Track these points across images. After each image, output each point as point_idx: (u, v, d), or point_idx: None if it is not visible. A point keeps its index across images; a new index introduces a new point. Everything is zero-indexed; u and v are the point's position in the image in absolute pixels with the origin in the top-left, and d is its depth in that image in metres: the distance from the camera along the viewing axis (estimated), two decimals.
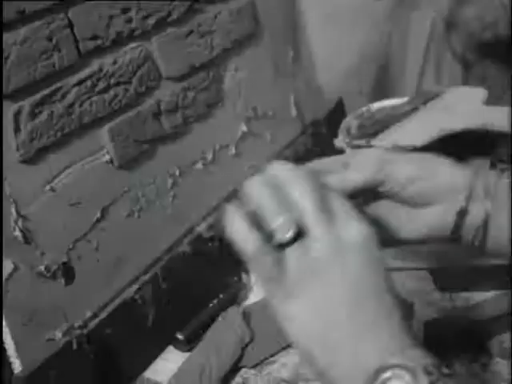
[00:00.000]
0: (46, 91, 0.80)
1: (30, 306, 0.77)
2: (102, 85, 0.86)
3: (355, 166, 0.72)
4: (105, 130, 0.86)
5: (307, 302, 0.58)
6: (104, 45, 0.86)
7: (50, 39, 0.80)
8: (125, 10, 0.89)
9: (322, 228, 0.58)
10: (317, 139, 1.27)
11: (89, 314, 0.84)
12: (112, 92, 0.87)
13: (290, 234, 0.58)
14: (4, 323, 0.75)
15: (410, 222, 0.73)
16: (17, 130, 0.77)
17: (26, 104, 0.78)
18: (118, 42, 0.89)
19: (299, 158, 1.20)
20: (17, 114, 0.77)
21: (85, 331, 0.82)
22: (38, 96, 0.79)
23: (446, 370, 0.54)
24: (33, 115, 0.78)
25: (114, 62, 0.87)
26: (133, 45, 0.91)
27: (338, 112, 1.35)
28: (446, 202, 0.71)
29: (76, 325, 0.82)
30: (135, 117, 0.90)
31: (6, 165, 0.76)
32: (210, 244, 1.00)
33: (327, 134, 1.29)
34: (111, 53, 0.88)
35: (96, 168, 0.86)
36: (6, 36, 0.76)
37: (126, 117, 0.89)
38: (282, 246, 0.58)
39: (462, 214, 0.70)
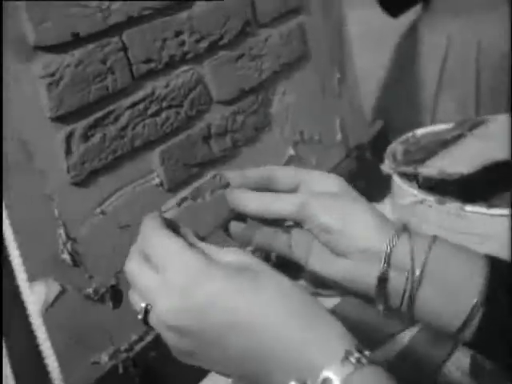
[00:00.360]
0: (99, 114, 0.80)
1: (76, 328, 0.77)
2: (154, 108, 0.86)
3: (284, 196, 0.73)
4: (156, 153, 0.86)
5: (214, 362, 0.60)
6: (157, 68, 0.87)
7: (104, 62, 0.80)
8: (178, 33, 0.89)
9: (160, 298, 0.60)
10: (361, 163, 1.26)
11: (134, 337, 0.83)
12: (164, 115, 0.87)
13: (140, 316, 0.62)
14: (49, 345, 0.75)
15: (328, 265, 0.72)
16: (68, 152, 0.77)
17: (79, 126, 0.78)
18: (171, 65, 0.89)
19: None
20: (69, 137, 0.77)
21: (131, 354, 0.82)
22: (91, 119, 0.79)
23: (367, 353, 0.55)
24: (85, 138, 0.78)
25: (167, 85, 0.87)
26: (185, 68, 0.91)
27: (381, 136, 1.34)
28: (356, 260, 0.69)
29: (122, 348, 0.81)
30: (185, 140, 0.90)
31: (56, 187, 0.76)
32: None
33: (371, 158, 1.28)
34: (164, 76, 0.88)
35: (146, 191, 0.86)
36: (60, 58, 0.76)
37: (176, 140, 0.89)
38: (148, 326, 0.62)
39: (383, 280, 0.68)
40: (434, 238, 0.69)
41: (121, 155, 0.82)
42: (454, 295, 0.66)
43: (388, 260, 0.68)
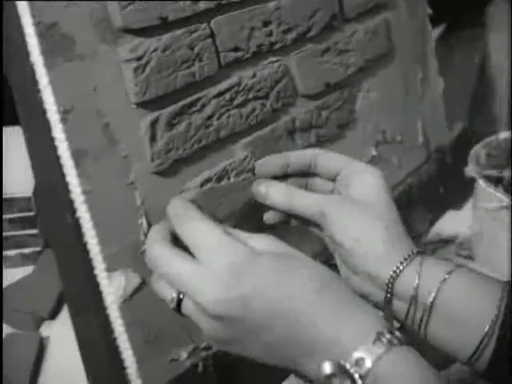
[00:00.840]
0: (185, 101, 0.77)
1: (154, 323, 0.74)
2: (240, 98, 0.83)
3: (309, 197, 0.74)
4: (240, 145, 0.83)
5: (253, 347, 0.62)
6: (244, 57, 0.84)
7: (191, 48, 0.78)
8: (266, 23, 0.86)
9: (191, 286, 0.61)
10: (441, 167, 1.22)
11: None
12: (250, 106, 0.84)
13: (172, 305, 0.64)
14: (126, 339, 0.72)
15: (343, 272, 0.73)
16: (152, 139, 0.74)
17: (164, 113, 0.75)
18: (258, 54, 0.86)
19: (423, 186, 1.15)
20: (154, 123, 0.74)
21: (210, 352, 0.78)
22: (177, 106, 0.76)
23: (399, 335, 0.58)
24: (170, 125, 0.76)
25: (253, 76, 0.84)
26: (272, 59, 0.88)
27: (462, 140, 1.30)
28: (364, 280, 0.70)
29: (201, 346, 0.78)
30: (270, 133, 0.86)
31: (139, 174, 0.74)
32: None
33: (452, 162, 1.24)
34: (251, 66, 0.85)
35: None
36: (147, 42, 0.74)
37: (261, 133, 0.85)
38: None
39: (388, 306, 0.69)
40: (455, 268, 0.67)
41: (205, 145, 0.79)
42: (464, 326, 0.65)
43: (391, 289, 0.67)
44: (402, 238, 0.70)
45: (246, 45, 0.84)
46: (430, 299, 0.66)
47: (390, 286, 0.67)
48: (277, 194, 0.75)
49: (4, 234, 1.20)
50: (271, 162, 0.80)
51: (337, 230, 0.70)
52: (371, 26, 1.05)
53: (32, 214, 1.18)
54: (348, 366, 0.56)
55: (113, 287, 0.71)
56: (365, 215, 0.71)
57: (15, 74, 0.70)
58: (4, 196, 1.18)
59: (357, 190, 0.73)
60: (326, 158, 0.78)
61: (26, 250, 1.21)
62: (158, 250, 0.64)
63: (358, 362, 0.56)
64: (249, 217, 0.80)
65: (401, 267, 0.67)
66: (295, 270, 0.62)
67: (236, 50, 0.83)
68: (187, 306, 0.63)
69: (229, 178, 0.80)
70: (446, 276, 0.66)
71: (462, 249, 1.15)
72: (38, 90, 0.67)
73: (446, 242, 1.16)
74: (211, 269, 0.60)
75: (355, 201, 0.72)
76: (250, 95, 0.84)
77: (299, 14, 0.91)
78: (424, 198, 1.15)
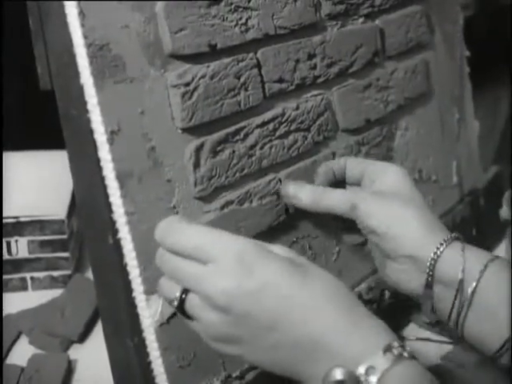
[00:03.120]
0: (230, 129, 0.78)
1: (189, 349, 0.74)
2: (283, 129, 0.83)
3: (336, 194, 0.77)
4: (280, 176, 0.83)
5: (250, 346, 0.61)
6: (288, 89, 0.85)
7: (238, 77, 0.79)
8: (310, 56, 0.87)
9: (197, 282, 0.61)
10: (474, 209, 1.22)
11: (246, 365, 0.79)
12: (291, 138, 0.84)
13: (177, 301, 0.63)
14: (160, 363, 0.72)
15: (379, 264, 0.75)
16: (196, 165, 0.75)
17: (209, 140, 0.76)
18: (302, 87, 0.87)
19: (456, 227, 1.15)
20: (198, 149, 0.75)
21: (243, 382, 0.78)
22: (221, 133, 0.77)
23: (407, 348, 0.57)
24: (214, 152, 0.76)
25: (297, 108, 0.85)
26: (315, 92, 0.88)
27: (496, 182, 1.29)
28: (401, 264, 0.70)
29: (234, 375, 0.78)
30: (310, 165, 0.87)
31: (181, 199, 0.74)
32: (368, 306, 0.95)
33: (485, 204, 1.24)
34: (294, 98, 0.86)
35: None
36: (195, 68, 0.75)
37: (301, 164, 0.86)
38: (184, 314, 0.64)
39: (428, 291, 0.69)
40: (493, 257, 0.68)
41: (247, 174, 0.80)
42: (496, 318, 0.65)
43: (432, 272, 0.68)
44: (436, 221, 0.72)
45: (290, 77, 0.85)
46: (472, 287, 0.66)
47: (431, 268, 0.68)
48: (305, 195, 0.78)
49: (34, 255, 1.20)
50: (321, 172, 0.85)
51: (370, 218, 0.72)
52: (411, 65, 1.06)
53: (64, 237, 1.19)
54: (358, 373, 0.56)
55: (150, 310, 0.71)
56: (395, 201, 0.73)
57: (62, 94, 0.71)
58: (36, 218, 1.19)
59: (383, 183, 0.76)
60: (351, 162, 0.82)
61: (56, 273, 1.21)
62: (164, 255, 0.65)
63: (368, 371, 0.55)
64: None
65: (441, 249, 0.68)
66: (308, 277, 0.61)
67: (280, 81, 0.84)
68: (192, 302, 0.62)
69: (251, 202, 0.80)
70: (487, 264, 0.67)
71: None
72: (87, 111, 0.68)
73: None
74: (219, 262, 0.60)
75: (383, 191, 0.75)
76: (293, 127, 0.85)
77: (343, 48, 0.92)
78: None
